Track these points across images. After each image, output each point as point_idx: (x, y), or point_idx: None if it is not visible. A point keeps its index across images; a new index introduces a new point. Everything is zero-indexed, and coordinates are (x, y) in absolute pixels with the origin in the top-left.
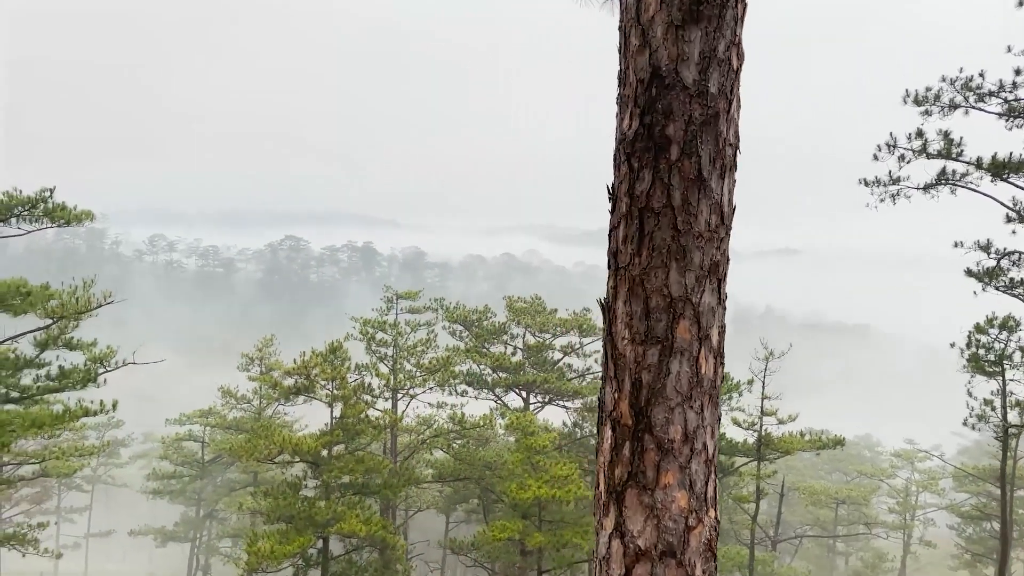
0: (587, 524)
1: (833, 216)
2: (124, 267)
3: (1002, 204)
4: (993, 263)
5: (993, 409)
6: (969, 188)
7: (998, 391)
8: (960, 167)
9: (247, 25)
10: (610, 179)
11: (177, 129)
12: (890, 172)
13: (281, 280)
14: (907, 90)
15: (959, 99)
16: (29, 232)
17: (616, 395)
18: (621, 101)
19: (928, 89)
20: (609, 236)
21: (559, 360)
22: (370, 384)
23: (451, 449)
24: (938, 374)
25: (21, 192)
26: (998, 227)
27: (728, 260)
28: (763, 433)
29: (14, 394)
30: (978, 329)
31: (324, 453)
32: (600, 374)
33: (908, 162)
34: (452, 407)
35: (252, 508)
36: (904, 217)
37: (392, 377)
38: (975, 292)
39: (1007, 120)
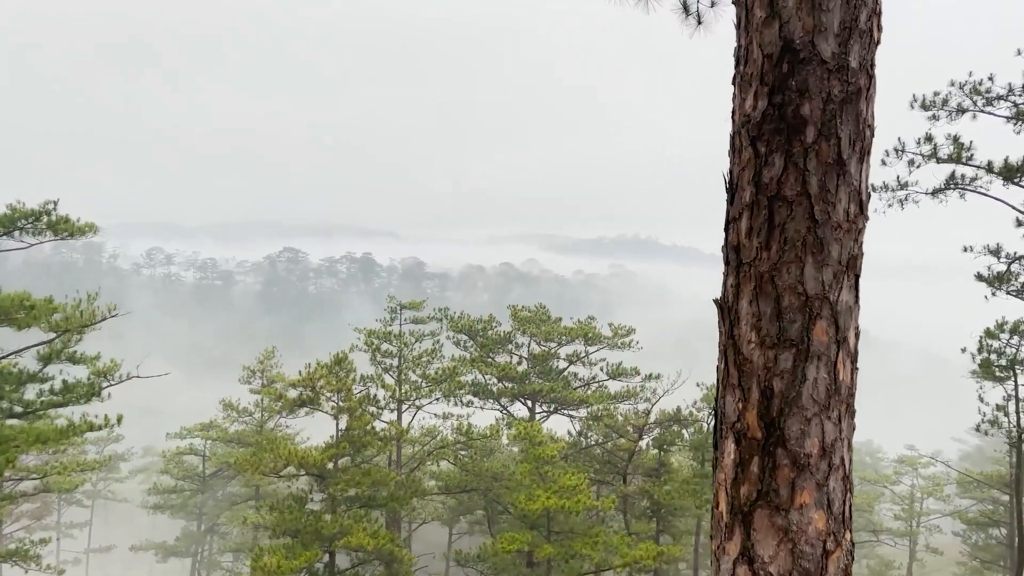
0: (596, 534)
1: None
2: (122, 280)
3: (1013, 208)
4: (1003, 267)
5: (1006, 415)
6: (979, 192)
7: (1009, 396)
8: (969, 171)
9: (245, 40)
10: (715, 169)
11: (173, 142)
12: (898, 177)
13: (280, 292)
14: (914, 95)
15: (967, 103)
16: (31, 245)
17: (741, 405)
18: (741, 81)
19: (936, 94)
20: (726, 229)
21: (564, 369)
22: (376, 396)
23: (458, 460)
24: (937, 380)
25: (24, 205)
26: (1004, 232)
27: (863, 254)
28: None
29: (17, 409)
30: (989, 334)
31: (330, 466)
32: (604, 381)
33: (918, 167)
34: (458, 418)
35: (256, 522)
36: (902, 225)
37: (398, 388)
38: (986, 297)
39: (1015, 124)
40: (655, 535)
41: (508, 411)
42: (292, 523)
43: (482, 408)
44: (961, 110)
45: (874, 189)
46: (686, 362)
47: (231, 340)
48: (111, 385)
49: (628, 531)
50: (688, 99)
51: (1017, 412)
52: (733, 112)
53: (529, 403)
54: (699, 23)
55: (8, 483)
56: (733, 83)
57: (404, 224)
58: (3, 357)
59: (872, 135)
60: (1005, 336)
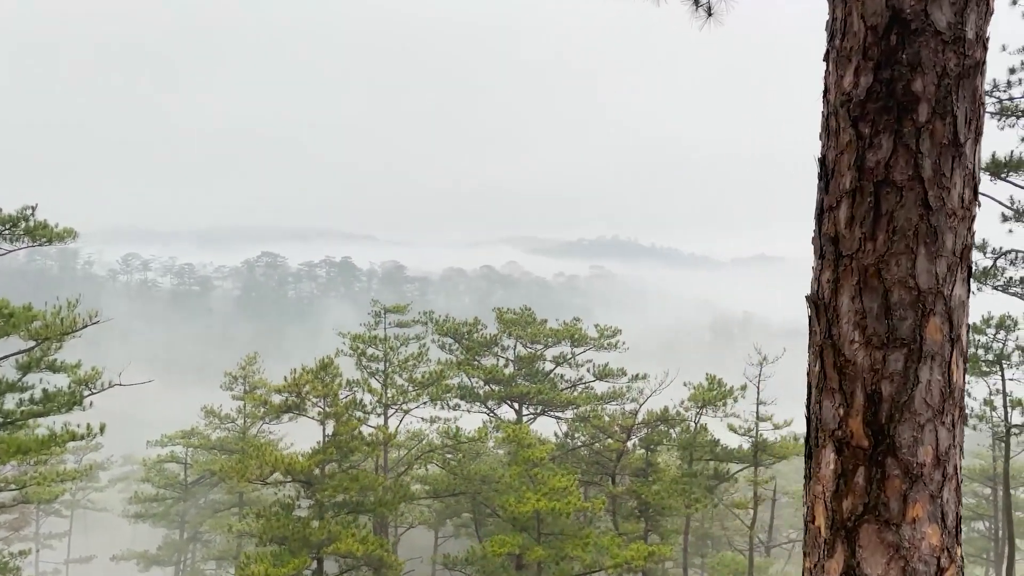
0: (586, 536)
1: (809, 222)
2: (98, 287)
3: (1000, 203)
4: (990, 263)
5: (994, 409)
6: None
7: (996, 391)
8: None
9: (222, 45)
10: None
11: (148, 147)
12: None
13: (259, 297)
14: None
15: None
16: (8, 252)
17: (842, 411)
18: (838, 56)
19: None
20: (819, 218)
21: (551, 371)
22: (362, 400)
23: (446, 464)
24: None
25: (1, 211)
26: (990, 228)
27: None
28: (759, 439)
29: None
30: (975, 329)
31: (317, 472)
32: (590, 383)
33: None
34: (445, 421)
35: (241, 530)
36: None
37: (384, 392)
38: (972, 292)
39: (999, 119)
40: (643, 535)
41: (495, 414)
42: (279, 530)
43: (469, 411)
44: None
45: None
46: (667, 363)
47: (209, 346)
48: (93, 393)
49: (617, 531)
50: (669, 102)
51: (1004, 406)
52: (826, 91)
53: (516, 405)
54: (709, 15)
55: None
56: (825, 59)
57: (383, 227)
58: None
59: (984, 113)
60: (991, 331)
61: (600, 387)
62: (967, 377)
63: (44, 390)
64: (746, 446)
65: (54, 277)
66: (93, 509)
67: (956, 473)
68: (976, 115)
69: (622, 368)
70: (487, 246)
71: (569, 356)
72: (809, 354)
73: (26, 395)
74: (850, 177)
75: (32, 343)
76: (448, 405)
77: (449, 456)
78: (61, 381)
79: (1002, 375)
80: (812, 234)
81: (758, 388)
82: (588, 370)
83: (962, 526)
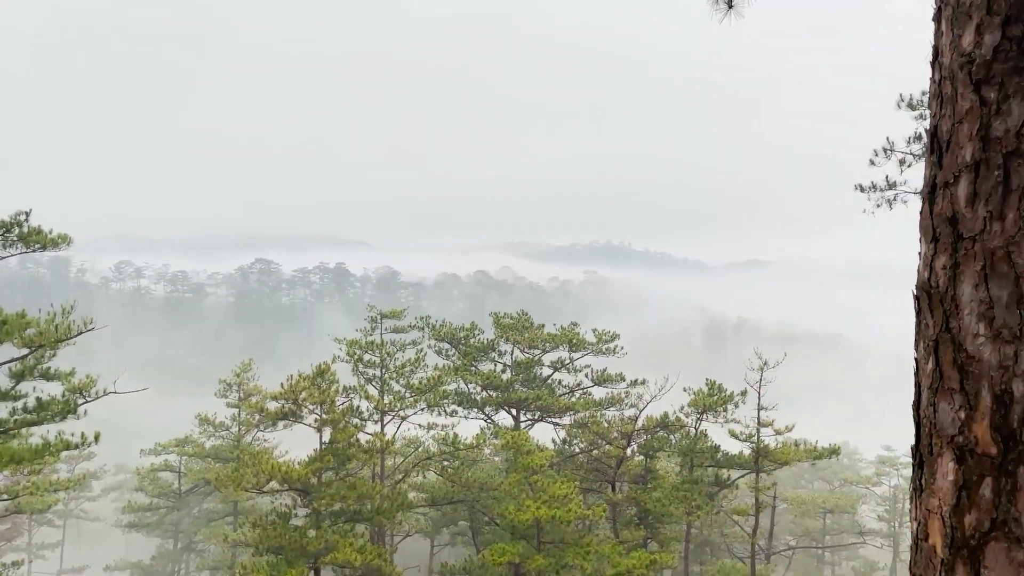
0: (587, 544)
1: (801, 228)
2: (91, 295)
3: None
4: None
5: None
6: None
7: None
8: None
9: (211, 53)
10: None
11: (141, 155)
12: (887, 177)
13: (252, 304)
14: (900, 94)
15: None
16: (1, 258)
17: (964, 414)
18: (954, 13)
19: (924, 93)
20: (930, 196)
21: (549, 376)
22: (359, 407)
23: (444, 471)
24: (909, 383)
25: None
26: None
27: None
28: (760, 444)
29: None
30: None
31: (314, 480)
32: (589, 388)
33: (909, 166)
34: (443, 428)
35: (236, 540)
36: (871, 229)
37: (381, 399)
38: None
39: None
40: (643, 542)
41: (493, 420)
42: (276, 539)
43: (466, 418)
44: None
45: (862, 189)
46: (660, 368)
47: (203, 353)
48: (87, 402)
49: (617, 539)
50: (656, 110)
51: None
52: (937, 54)
53: (514, 411)
54: (730, 7)
55: None
56: (936, 19)
57: (377, 234)
58: None
59: None
60: None
61: (599, 392)
62: None
63: (38, 398)
64: (747, 452)
65: (46, 285)
66: (86, 519)
67: None
68: None
69: (620, 373)
70: (481, 252)
71: (567, 361)
72: (918, 350)
73: (19, 403)
74: (972, 149)
75: (26, 351)
76: (445, 411)
77: (447, 463)
78: (55, 389)
79: None
80: (920, 215)
81: (759, 393)
82: (587, 375)
83: None
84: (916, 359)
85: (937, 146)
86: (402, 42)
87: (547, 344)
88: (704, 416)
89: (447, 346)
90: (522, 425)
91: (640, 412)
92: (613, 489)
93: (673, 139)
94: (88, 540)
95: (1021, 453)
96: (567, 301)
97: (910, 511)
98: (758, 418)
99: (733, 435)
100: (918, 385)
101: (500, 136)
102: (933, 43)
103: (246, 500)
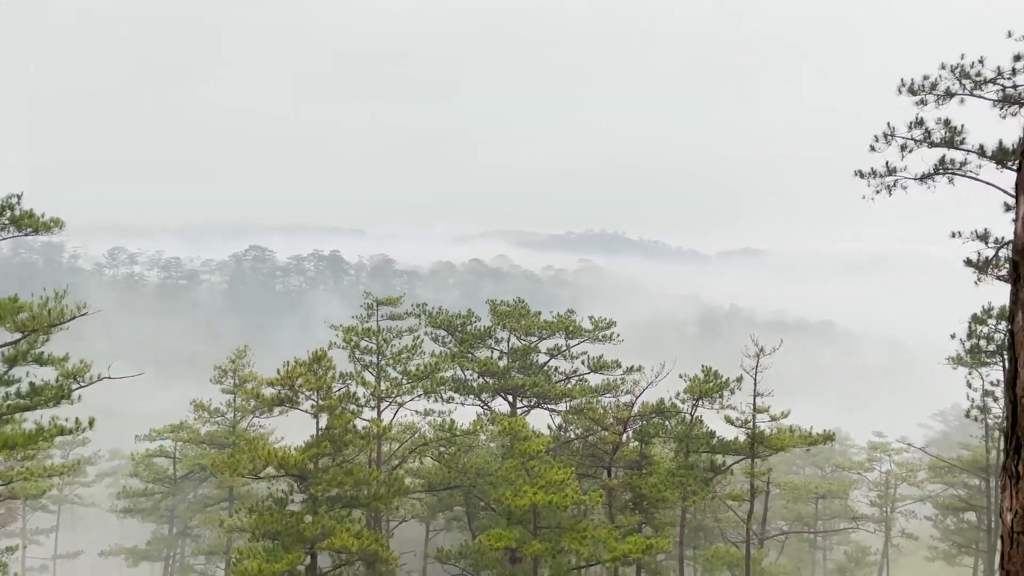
0: (584, 529)
1: (794, 217)
2: (84, 280)
3: (1004, 191)
4: (992, 252)
5: (996, 400)
6: (969, 176)
7: (995, 382)
8: (959, 156)
9: (208, 43)
10: None
11: (134, 141)
12: (887, 163)
13: (246, 291)
14: (902, 79)
15: (956, 87)
16: None
17: None
18: None
19: (925, 78)
20: None
21: (545, 363)
22: (355, 393)
23: (441, 457)
24: (899, 370)
25: None
26: (993, 217)
27: None
28: (756, 430)
29: None
30: (976, 320)
31: (311, 466)
32: (585, 375)
33: (910, 151)
34: (439, 414)
35: (232, 525)
36: (862, 219)
37: (377, 385)
38: (975, 282)
39: (1001, 108)
40: (638, 527)
41: (489, 407)
42: (272, 525)
43: (463, 404)
44: (949, 94)
45: (862, 175)
46: (653, 356)
47: (197, 340)
48: (81, 387)
49: (612, 524)
50: (650, 100)
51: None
52: None
53: (510, 398)
54: None
55: None
56: None
57: (371, 221)
58: None
59: None
60: (992, 321)
61: (595, 379)
62: (969, 370)
63: (31, 383)
64: (742, 438)
65: (39, 271)
66: (80, 504)
67: None
68: None
69: (617, 360)
70: (475, 240)
71: (564, 348)
72: (1014, 321)
73: (12, 389)
74: None
75: (18, 335)
76: (442, 398)
77: (443, 449)
78: (48, 374)
79: (1003, 366)
80: (1019, 171)
81: (755, 380)
82: (583, 362)
83: (952, 517)
84: (1011, 330)
85: None
86: (399, 30)
87: (544, 331)
88: (700, 402)
89: (444, 333)
90: (518, 411)
91: (636, 398)
92: (609, 475)
93: (667, 129)
94: (83, 525)
95: None
96: (562, 289)
97: (1003, 501)
98: (754, 404)
99: (729, 421)
100: (1013, 360)
101: (495, 124)
102: None
103: (242, 486)
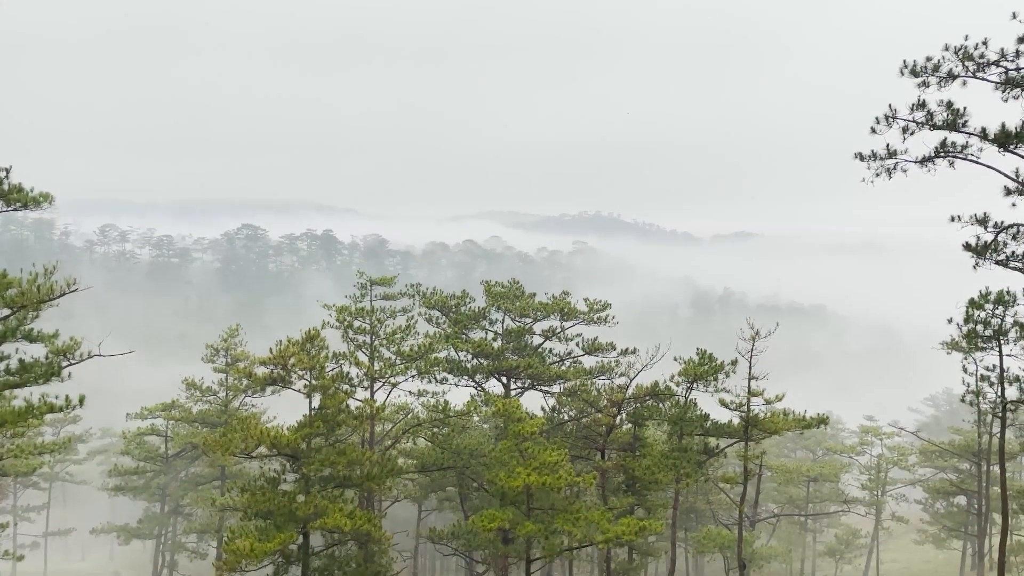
0: (577, 510)
1: (788, 201)
2: (75, 258)
3: (1005, 175)
4: (991, 236)
5: (991, 385)
6: (970, 160)
7: (991, 367)
8: (960, 139)
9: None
10: None
11: (126, 118)
12: (887, 145)
13: (239, 270)
14: (904, 60)
15: (959, 69)
16: None
17: None
18: None
19: (928, 59)
20: None
21: (540, 345)
22: (348, 373)
23: (435, 438)
24: (889, 354)
25: None
26: (993, 201)
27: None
28: (750, 414)
29: None
30: (973, 304)
31: (303, 446)
32: (579, 357)
33: (911, 133)
34: (433, 395)
35: (224, 504)
36: (855, 203)
37: (371, 365)
38: (974, 266)
39: (1003, 91)
40: (630, 509)
41: (483, 388)
42: (264, 504)
43: (457, 385)
44: (952, 76)
45: (862, 158)
46: (646, 338)
47: (188, 319)
48: (71, 364)
49: (606, 505)
50: (647, 82)
51: (1001, 382)
52: None
53: (504, 379)
54: None
55: None
56: None
57: (365, 201)
58: None
59: None
60: (989, 306)
61: (589, 361)
62: (965, 355)
63: (20, 360)
64: (736, 421)
65: (30, 248)
66: (72, 482)
67: None
68: None
69: (611, 342)
70: (469, 220)
71: (558, 330)
72: None
73: (1, 365)
74: None
75: (7, 311)
76: (436, 378)
77: (436, 430)
78: (38, 351)
79: (999, 351)
80: None
81: (750, 363)
82: (577, 344)
83: (942, 501)
84: None
85: None
86: (394, 7)
87: (538, 313)
88: (694, 385)
89: (437, 314)
90: (512, 393)
91: (630, 381)
92: (602, 456)
93: (661, 112)
94: (74, 503)
95: None
96: (556, 271)
97: None
98: (748, 388)
99: (723, 404)
100: None
101: (489, 105)
102: None
103: (234, 465)
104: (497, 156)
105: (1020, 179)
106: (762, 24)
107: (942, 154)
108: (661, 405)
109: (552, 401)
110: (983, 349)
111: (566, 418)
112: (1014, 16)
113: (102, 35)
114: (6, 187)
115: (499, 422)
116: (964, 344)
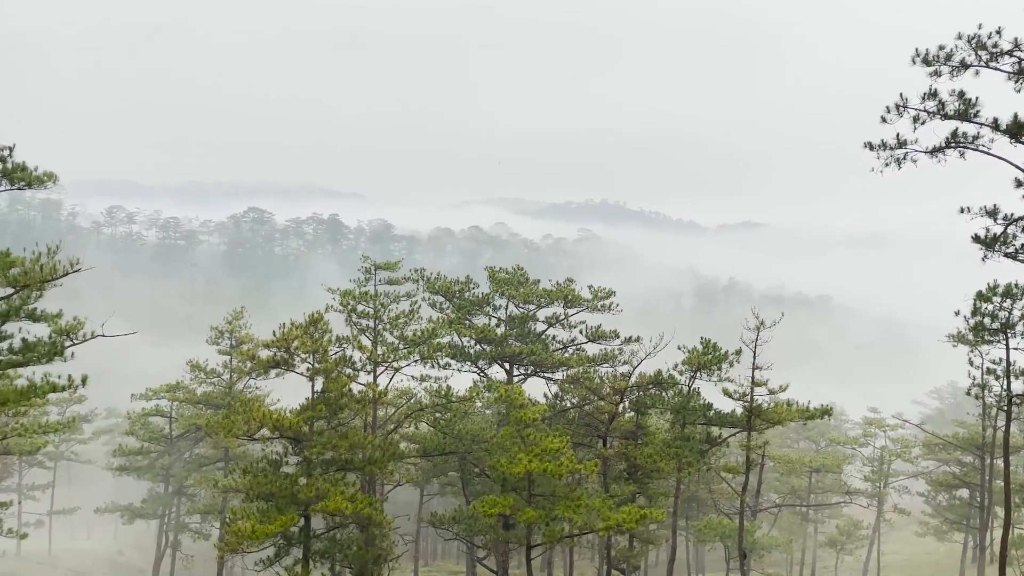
0: (578, 497)
1: (794, 192)
2: (82, 239)
3: (1016, 166)
4: (1000, 229)
5: (997, 378)
6: (980, 151)
7: (997, 360)
8: (971, 129)
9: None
10: None
11: (134, 99)
12: (898, 135)
13: (245, 253)
14: (916, 49)
15: (971, 58)
16: None
17: None
18: None
19: (941, 48)
20: None
21: (543, 331)
22: (351, 357)
23: (437, 423)
24: (893, 346)
25: None
26: (1003, 193)
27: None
28: (754, 403)
29: None
30: (981, 297)
31: (306, 429)
32: (583, 344)
33: (922, 123)
34: (436, 380)
35: (227, 485)
36: (862, 195)
37: (374, 350)
38: (983, 258)
39: (1016, 81)
40: (631, 497)
41: (486, 374)
42: (266, 486)
43: (459, 371)
44: (964, 65)
45: (871, 147)
46: (650, 327)
47: (194, 301)
48: (74, 344)
49: (607, 493)
50: (647, 81)
51: (1007, 375)
52: None
53: (507, 366)
54: None
55: None
56: None
57: (371, 186)
58: None
59: None
60: (997, 299)
61: (592, 349)
62: (971, 348)
63: (24, 339)
64: (739, 411)
65: (37, 228)
66: (77, 461)
67: None
68: None
69: (615, 330)
70: (475, 206)
71: (562, 317)
72: None
73: (5, 344)
74: None
75: (10, 290)
76: (439, 364)
77: (439, 415)
78: (41, 331)
79: (1007, 344)
80: None
81: (754, 353)
82: (581, 331)
83: (944, 493)
84: None
85: None
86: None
87: (542, 299)
88: (698, 374)
89: (441, 299)
90: (515, 379)
91: (634, 369)
92: (604, 444)
93: (670, 100)
94: (79, 482)
95: None
96: (561, 258)
97: None
98: (752, 377)
99: (727, 394)
100: None
101: (497, 92)
102: None
103: (237, 447)
104: (501, 148)
105: None
106: (762, 24)
107: (953, 144)
108: (664, 394)
109: (555, 388)
110: (990, 342)
111: (568, 405)
112: None
113: (115, 22)
114: (10, 165)
115: (501, 408)
116: (971, 337)
